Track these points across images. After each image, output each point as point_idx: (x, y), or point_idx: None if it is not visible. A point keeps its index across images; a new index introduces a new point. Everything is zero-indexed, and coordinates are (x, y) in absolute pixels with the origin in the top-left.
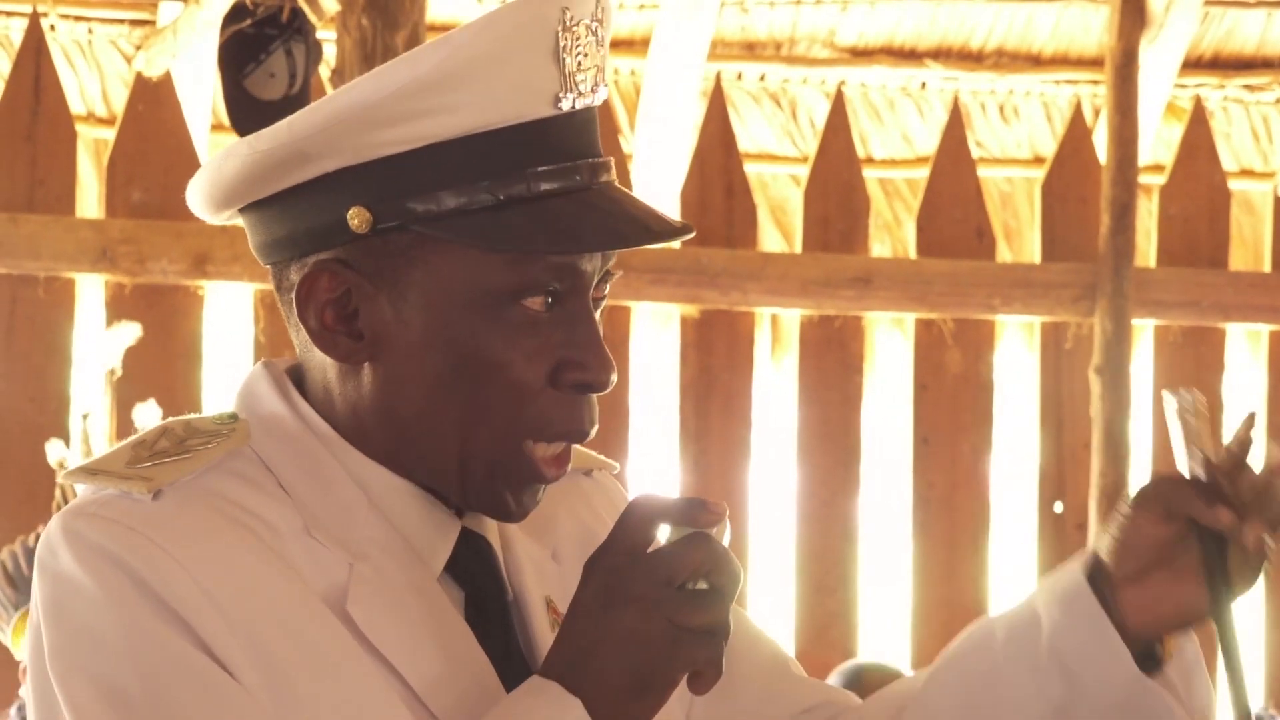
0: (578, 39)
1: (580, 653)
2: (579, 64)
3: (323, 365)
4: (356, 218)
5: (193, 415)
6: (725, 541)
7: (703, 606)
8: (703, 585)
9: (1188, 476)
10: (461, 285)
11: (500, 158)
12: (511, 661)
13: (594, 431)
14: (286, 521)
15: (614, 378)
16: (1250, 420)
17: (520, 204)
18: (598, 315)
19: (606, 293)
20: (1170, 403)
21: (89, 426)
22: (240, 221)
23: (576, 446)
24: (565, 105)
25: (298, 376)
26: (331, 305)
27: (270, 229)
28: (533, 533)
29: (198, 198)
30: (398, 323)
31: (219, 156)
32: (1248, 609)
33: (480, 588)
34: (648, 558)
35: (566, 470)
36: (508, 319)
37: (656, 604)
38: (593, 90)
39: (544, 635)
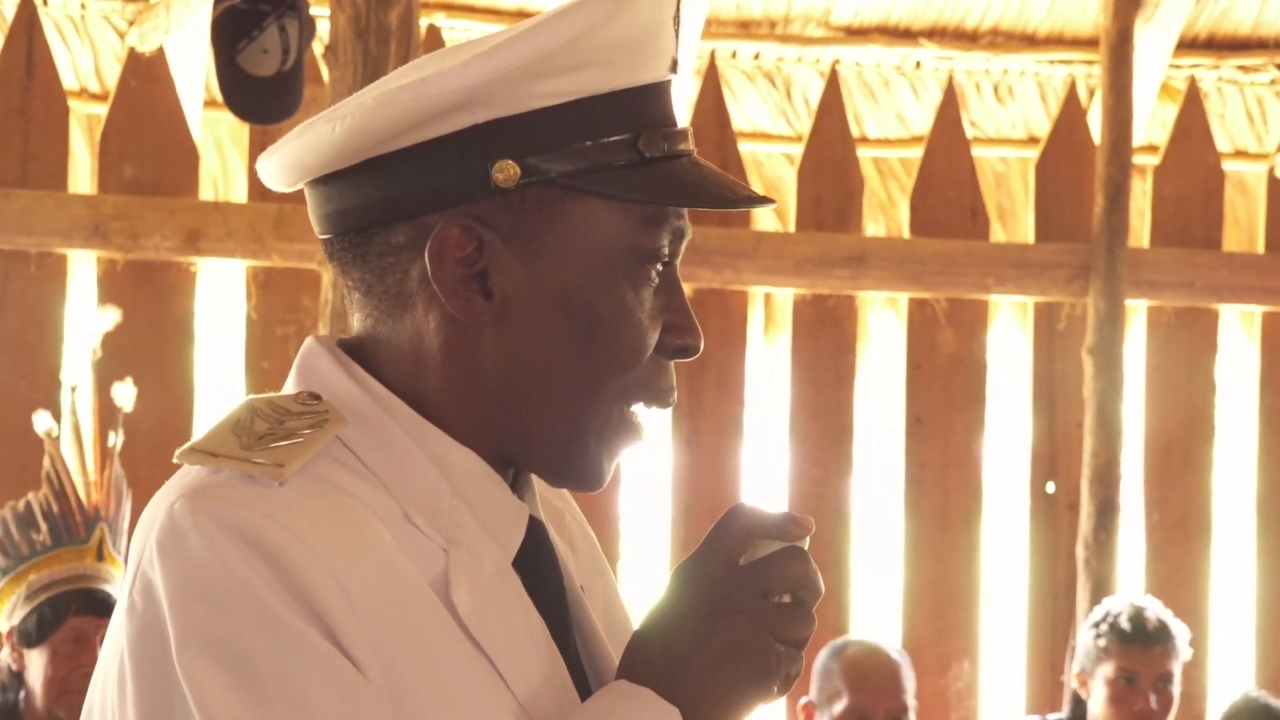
0: (679, 8)
1: (677, 661)
2: (677, 33)
3: (416, 335)
4: (503, 171)
5: (269, 394)
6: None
7: (797, 620)
8: (787, 599)
9: None
10: (598, 243)
11: (641, 115)
12: (568, 650)
13: None
14: (388, 509)
15: (702, 343)
16: None
17: (653, 163)
18: None
19: None
20: None
21: (76, 399)
22: (297, 188)
23: None
24: (673, 70)
25: (351, 351)
26: (459, 264)
27: (383, 187)
28: (553, 524)
29: (327, 151)
30: (529, 281)
31: (368, 104)
32: (1237, 589)
33: (540, 574)
34: (748, 570)
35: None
36: (637, 280)
37: (758, 616)
38: (679, 62)
39: (591, 622)
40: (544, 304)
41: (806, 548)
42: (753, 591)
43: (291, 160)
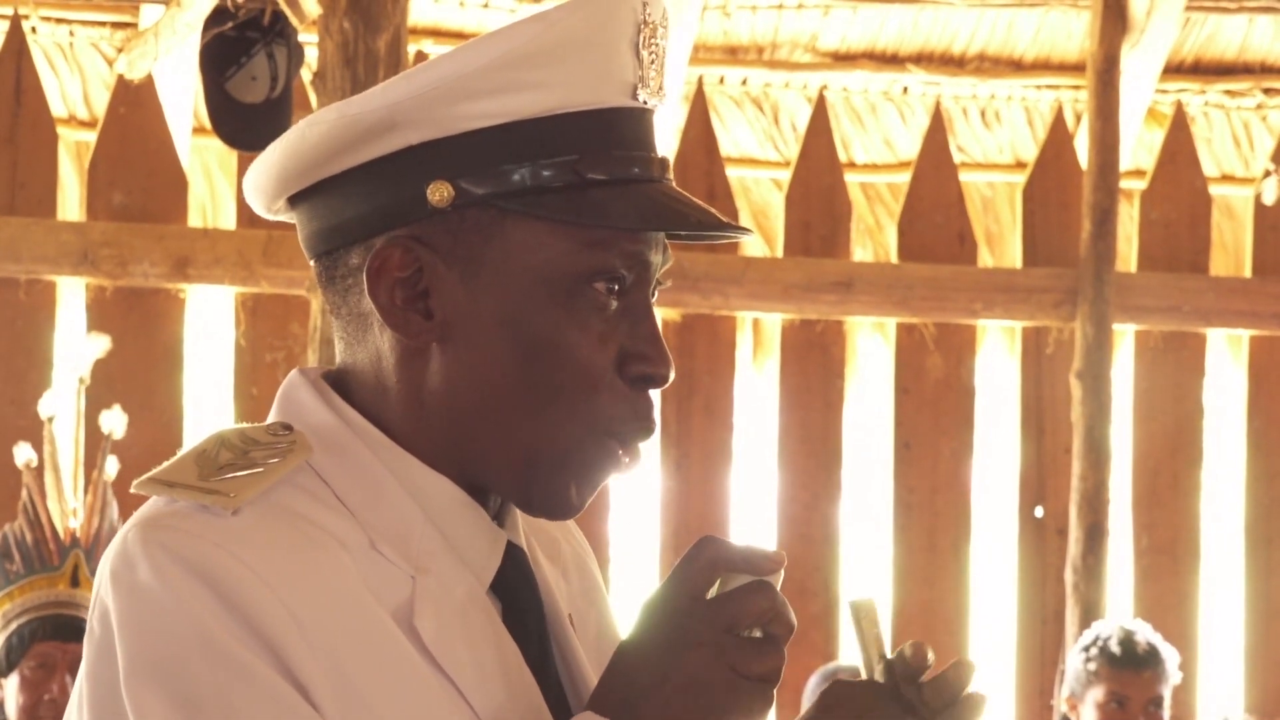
0: (653, 36)
1: (639, 693)
2: (652, 61)
3: (376, 357)
4: (437, 192)
5: (243, 425)
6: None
7: (762, 655)
8: (758, 633)
9: (872, 679)
10: (538, 264)
11: (584, 139)
12: (548, 677)
13: (653, 429)
14: (353, 537)
15: (671, 373)
16: (922, 648)
17: (601, 186)
18: None
19: (655, 299)
20: (848, 609)
21: (53, 428)
22: (286, 217)
23: None
24: (641, 98)
25: (334, 382)
26: (401, 284)
27: (337, 210)
28: (545, 551)
29: (269, 174)
30: (469, 302)
31: (301, 125)
32: (1227, 614)
33: (520, 601)
34: (713, 604)
35: (639, 461)
36: (580, 302)
37: (720, 651)
38: (659, 91)
39: (575, 650)
40: (484, 326)
41: (779, 582)
42: (715, 625)
43: (251, 184)
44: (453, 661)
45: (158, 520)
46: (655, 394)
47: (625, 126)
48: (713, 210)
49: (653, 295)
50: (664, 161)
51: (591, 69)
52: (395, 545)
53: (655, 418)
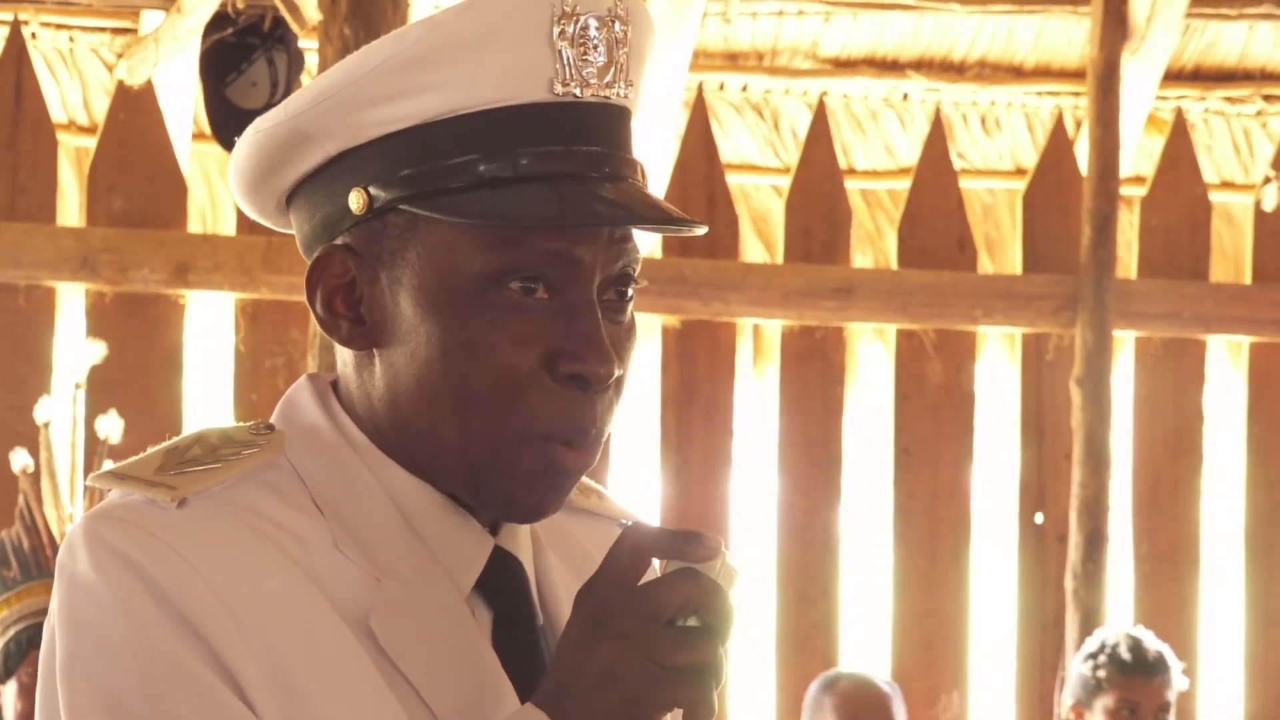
0: (583, 29)
1: (563, 684)
2: (583, 54)
3: (344, 363)
4: (355, 200)
5: (229, 424)
6: (724, 576)
7: (687, 644)
8: (693, 622)
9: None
10: (449, 266)
11: (490, 138)
12: (534, 686)
13: (596, 432)
14: (315, 536)
15: (612, 371)
16: None
17: (507, 184)
18: (624, 319)
19: (630, 297)
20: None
21: (49, 434)
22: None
23: (610, 496)
24: (561, 91)
25: (336, 389)
26: (340, 291)
27: (304, 222)
28: (571, 567)
29: (235, 191)
30: (394, 306)
31: (237, 144)
32: (1227, 621)
33: (510, 610)
34: (633, 592)
35: (590, 464)
36: (495, 302)
37: (637, 640)
38: (607, 86)
39: None
40: (408, 330)
41: (721, 569)
42: (634, 615)
43: (237, 200)
44: (410, 662)
45: (106, 512)
46: (603, 395)
47: (545, 122)
48: (635, 204)
49: (627, 295)
50: (598, 155)
51: (490, 67)
52: (363, 547)
53: (596, 419)
